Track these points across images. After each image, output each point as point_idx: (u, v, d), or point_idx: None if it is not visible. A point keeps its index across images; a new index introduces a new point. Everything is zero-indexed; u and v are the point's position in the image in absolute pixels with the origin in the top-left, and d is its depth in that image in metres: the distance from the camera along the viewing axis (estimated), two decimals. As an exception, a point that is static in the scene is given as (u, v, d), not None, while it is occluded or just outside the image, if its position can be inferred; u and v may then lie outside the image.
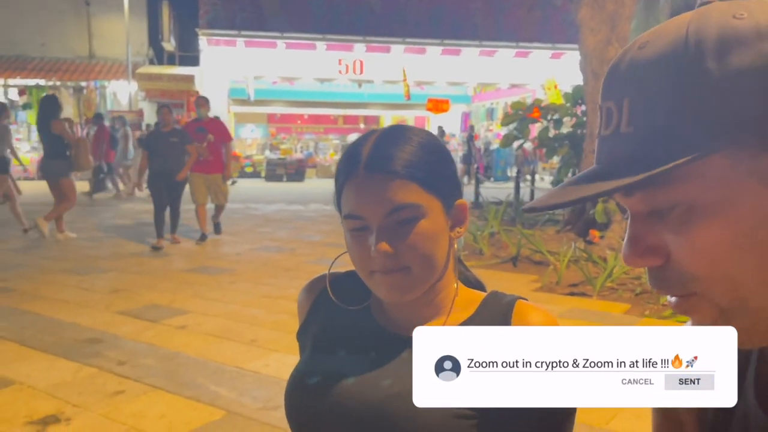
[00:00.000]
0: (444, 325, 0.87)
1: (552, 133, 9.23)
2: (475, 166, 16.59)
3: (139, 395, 3.29)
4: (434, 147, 0.87)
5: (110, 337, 4.24)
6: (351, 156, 0.85)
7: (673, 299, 0.51)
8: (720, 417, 0.61)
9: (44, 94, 15.07)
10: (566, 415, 0.82)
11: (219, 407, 3.11)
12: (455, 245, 0.90)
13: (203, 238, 7.88)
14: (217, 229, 8.22)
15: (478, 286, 0.97)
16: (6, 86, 18.37)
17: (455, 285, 0.90)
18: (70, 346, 4.06)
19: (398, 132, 0.87)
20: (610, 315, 4.73)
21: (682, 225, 0.48)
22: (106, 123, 14.22)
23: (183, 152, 7.52)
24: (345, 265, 0.95)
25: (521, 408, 0.79)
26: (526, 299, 0.88)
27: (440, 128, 18.96)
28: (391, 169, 0.81)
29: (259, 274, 6.19)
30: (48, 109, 7.77)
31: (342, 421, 0.82)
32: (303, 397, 0.88)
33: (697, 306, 0.49)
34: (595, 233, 7.05)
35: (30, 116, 18.62)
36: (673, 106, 0.47)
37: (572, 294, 5.33)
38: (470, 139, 18.57)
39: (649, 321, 4.48)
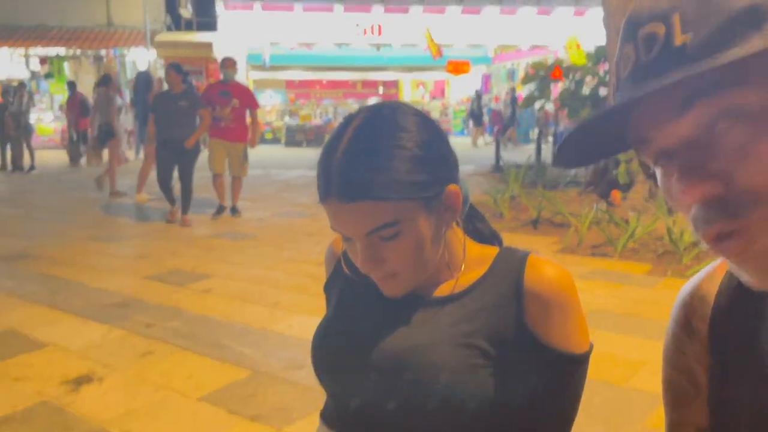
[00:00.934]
0: (458, 285, 0.88)
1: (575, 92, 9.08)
2: (510, 129, 16.30)
3: (167, 356, 3.38)
4: (413, 144, 0.80)
5: (137, 301, 4.35)
6: (322, 175, 0.81)
7: (710, 241, 0.49)
8: (734, 364, 0.61)
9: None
10: (579, 363, 0.83)
11: (245, 367, 3.19)
12: (454, 223, 0.88)
13: (220, 210, 7.22)
14: (233, 211, 7.35)
15: (492, 239, 0.98)
16: (27, 56, 18.48)
17: (466, 245, 0.90)
18: (99, 309, 4.18)
19: (368, 140, 0.80)
20: (631, 276, 4.72)
21: (747, 138, 0.45)
22: (126, 90, 14.19)
23: (193, 118, 6.65)
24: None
25: (537, 357, 0.81)
26: (539, 253, 0.89)
27: (477, 92, 18.68)
28: (363, 195, 0.78)
29: (281, 239, 6.26)
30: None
31: (365, 371, 0.85)
32: (328, 348, 0.91)
33: (732, 246, 0.48)
34: (617, 194, 6.99)
35: (52, 86, 18.77)
36: None
37: (594, 255, 5.32)
38: (513, 101, 17.98)
39: (671, 281, 4.47)
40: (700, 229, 0.49)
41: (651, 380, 2.91)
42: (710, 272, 0.66)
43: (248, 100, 7.28)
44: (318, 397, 0.95)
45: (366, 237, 0.81)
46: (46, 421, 2.69)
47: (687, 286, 0.68)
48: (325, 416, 0.93)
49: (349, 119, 0.83)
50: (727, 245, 0.48)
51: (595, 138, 0.54)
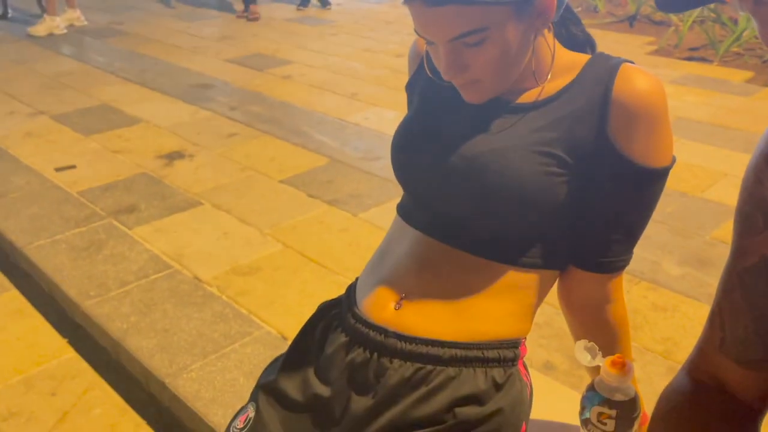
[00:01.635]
0: (544, 91, 0.85)
1: None
2: None
3: (250, 138, 3.56)
4: None
5: (221, 83, 4.47)
6: None
7: None
8: None
9: None
10: (658, 177, 0.84)
11: (323, 154, 3.33)
12: (544, 31, 0.83)
13: (305, 2, 6.74)
14: (324, 2, 6.84)
15: (585, 44, 0.93)
16: None
17: (551, 55, 0.86)
18: (186, 89, 4.34)
19: None
20: (729, 83, 4.42)
21: None
22: None
23: None
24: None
25: (616, 169, 0.82)
26: (632, 63, 0.84)
27: None
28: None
29: (359, 26, 6.10)
30: None
31: (440, 173, 0.88)
32: (407, 148, 0.93)
33: None
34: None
35: None
36: None
37: (691, 59, 4.96)
38: None
39: (772, 92, 4.17)
40: None
41: (728, 192, 2.87)
42: None
43: None
44: (391, 188, 1.01)
45: (449, 43, 0.78)
46: (145, 189, 2.97)
47: None
48: (402, 211, 0.97)
49: None
50: None
51: None
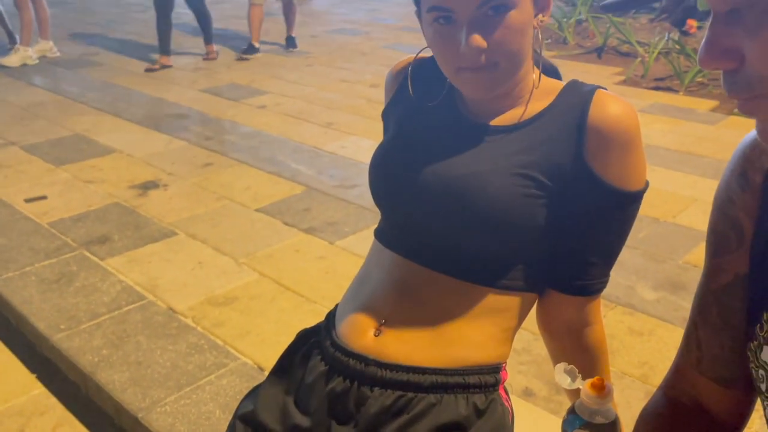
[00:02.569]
0: (523, 114, 0.88)
1: None
2: None
3: (225, 167, 3.54)
4: None
5: (195, 113, 4.47)
6: None
7: (739, 101, 0.51)
8: None
9: None
10: (633, 200, 0.85)
11: (299, 183, 3.33)
12: (539, 35, 0.87)
13: (250, 50, 6.04)
14: (291, 42, 6.33)
15: (552, 72, 0.95)
16: None
17: (534, 75, 0.89)
18: (160, 119, 4.32)
19: None
20: (694, 111, 4.54)
21: (758, 26, 0.46)
22: None
23: None
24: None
25: (592, 192, 0.83)
26: (606, 89, 0.87)
27: None
28: None
29: (334, 57, 6.16)
30: None
31: (419, 196, 0.88)
32: (385, 171, 0.93)
33: (760, 106, 0.49)
34: (692, 22, 6.50)
35: None
36: None
37: (658, 89, 5.10)
38: None
39: (735, 120, 4.30)
40: (726, 90, 0.51)
41: (699, 217, 2.93)
42: None
43: None
44: (368, 215, 1.01)
45: (475, 9, 0.78)
46: (118, 220, 2.93)
47: (748, 136, 0.67)
48: (379, 234, 0.97)
49: None
50: (748, 108, 0.50)
51: None
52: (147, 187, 3.29)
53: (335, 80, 5.36)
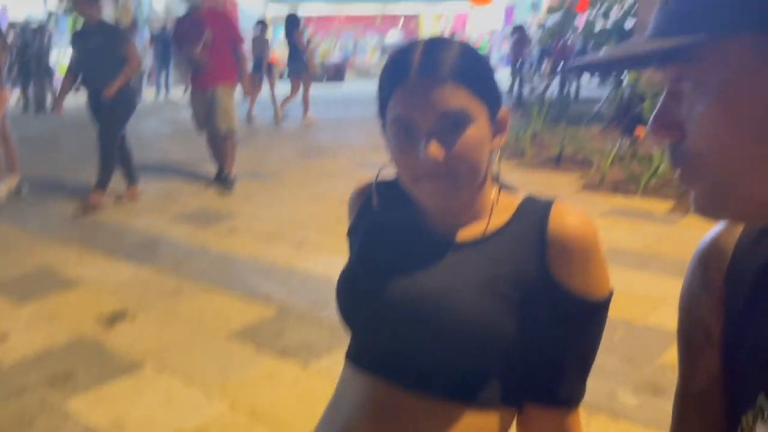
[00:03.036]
0: (485, 229, 0.90)
1: (600, 24, 8.82)
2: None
3: (196, 294, 3.49)
4: (479, 54, 0.88)
5: (165, 240, 4.45)
6: (400, 62, 0.85)
7: (679, 173, 0.54)
8: (748, 314, 0.62)
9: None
10: (600, 308, 0.86)
11: (272, 305, 3.29)
12: (496, 153, 0.91)
13: (229, 183, 5.72)
14: (226, 183, 5.74)
15: (508, 187, 0.99)
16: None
17: (494, 190, 0.92)
18: (128, 247, 4.29)
19: (444, 39, 0.87)
20: (652, 213, 4.70)
21: (694, 103, 0.49)
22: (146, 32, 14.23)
23: (115, 60, 4.98)
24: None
25: (559, 303, 0.84)
26: (562, 201, 0.90)
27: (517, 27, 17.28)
28: (443, 74, 0.82)
29: (303, 179, 6.30)
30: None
31: (388, 316, 0.88)
32: (352, 293, 0.94)
33: (694, 177, 0.52)
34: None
35: (70, 23, 18.56)
36: None
37: (616, 192, 5.29)
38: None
39: (692, 219, 4.43)
40: (670, 162, 0.55)
41: (669, 317, 2.92)
42: (729, 225, 0.66)
43: (227, 30, 5.54)
44: (343, 334, 1.00)
45: (435, 123, 0.82)
46: (83, 356, 2.82)
47: (705, 238, 0.69)
48: (351, 356, 0.96)
49: (416, 40, 0.88)
50: (685, 179, 0.53)
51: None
52: (114, 319, 3.20)
53: (304, 200, 5.45)
